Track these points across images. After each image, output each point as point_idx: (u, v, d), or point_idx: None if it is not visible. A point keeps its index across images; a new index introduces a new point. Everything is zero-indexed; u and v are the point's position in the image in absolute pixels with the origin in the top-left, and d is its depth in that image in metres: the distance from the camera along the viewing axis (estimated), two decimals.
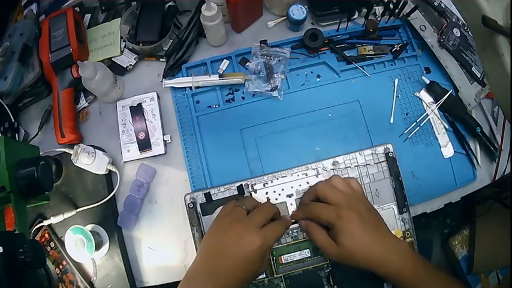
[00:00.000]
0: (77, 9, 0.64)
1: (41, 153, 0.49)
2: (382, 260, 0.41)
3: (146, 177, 0.54)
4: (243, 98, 0.58)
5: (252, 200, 0.47)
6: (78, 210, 0.53)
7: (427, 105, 0.57)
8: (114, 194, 0.54)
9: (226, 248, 0.40)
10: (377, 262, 0.41)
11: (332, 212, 0.42)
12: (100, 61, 0.60)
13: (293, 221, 0.49)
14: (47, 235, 0.53)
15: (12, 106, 0.58)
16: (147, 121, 0.56)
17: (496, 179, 0.56)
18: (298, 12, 0.58)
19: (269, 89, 0.56)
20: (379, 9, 0.61)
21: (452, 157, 0.56)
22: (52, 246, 0.53)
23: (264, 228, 0.42)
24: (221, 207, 0.48)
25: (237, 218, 0.42)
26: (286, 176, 0.51)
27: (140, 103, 0.57)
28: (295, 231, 0.49)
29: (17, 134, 0.58)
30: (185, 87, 0.58)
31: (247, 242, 0.39)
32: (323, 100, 0.57)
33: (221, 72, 0.58)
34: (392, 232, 0.49)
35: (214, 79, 0.56)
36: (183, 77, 0.58)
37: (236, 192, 0.50)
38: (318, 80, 0.59)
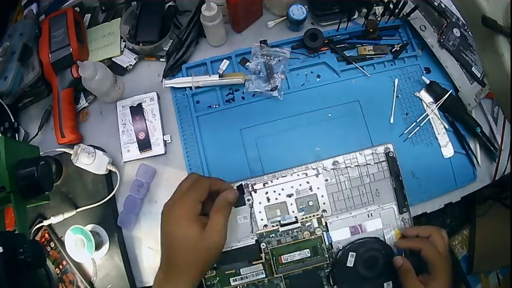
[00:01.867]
0: (77, 9, 0.64)
1: (41, 153, 0.49)
2: None
3: (146, 177, 0.54)
4: (243, 98, 0.58)
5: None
6: (78, 210, 0.53)
7: (427, 105, 0.57)
8: (114, 194, 0.54)
9: (168, 230, 0.40)
10: None
11: (438, 253, 0.44)
12: (100, 61, 0.60)
13: (291, 221, 0.49)
14: (47, 235, 0.53)
15: (12, 106, 0.58)
16: (147, 121, 0.56)
17: (496, 179, 0.56)
18: (298, 12, 0.58)
19: (269, 89, 0.56)
20: (379, 9, 0.61)
21: (452, 157, 0.56)
22: (52, 246, 0.53)
23: (188, 190, 0.41)
24: None
25: (167, 202, 0.42)
26: (286, 176, 0.51)
27: (140, 103, 0.57)
28: (295, 231, 0.49)
29: (17, 134, 0.58)
30: (185, 87, 0.58)
31: (176, 208, 0.40)
32: (323, 100, 0.57)
33: (221, 72, 0.58)
34: (392, 232, 0.50)
35: (214, 79, 0.56)
36: (183, 77, 0.58)
37: None
38: (318, 80, 0.59)
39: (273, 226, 0.49)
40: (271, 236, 0.49)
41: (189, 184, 0.42)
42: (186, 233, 0.38)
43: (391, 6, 0.57)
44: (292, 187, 0.50)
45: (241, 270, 0.49)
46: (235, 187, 0.50)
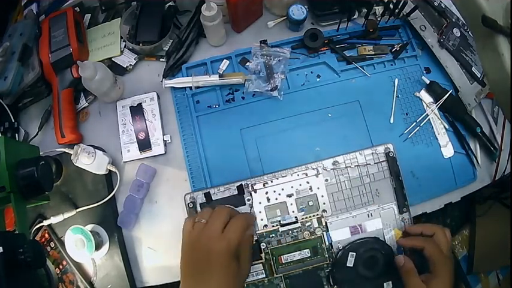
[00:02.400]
0: (77, 9, 0.64)
1: (41, 153, 0.49)
2: None
3: (146, 177, 0.54)
4: (243, 98, 0.58)
5: (206, 210, 0.46)
6: (78, 210, 0.53)
7: (427, 105, 0.57)
8: (114, 194, 0.54)
9: (200, 265, 0.41)
10: None
11: (440, 252, 0.44)
12: (100, 61, 0.60)
13: (291, 221, 0.49)
14: (47, 235, 0.53)
15: (12, 106, 0.58)
16: (147, 121, 0.56)
17: (496, 179, 0.56)
18: (298, 12, 0.58)
19: (269, 89, 0.56)
20: (379, 9, 0.61)
21: (452, 157, 0.56)
22: (52, 246, 0.53)
23: (225, 230, 0.42)
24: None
25: (198, 233, 0.43)
26: (286, 176, 0.51)
27: (140, 103, 0.57)
28: (295, 231, 0.49)
29: (17, 134, 0.58)
30: (185, 87, 0.58)
31: (214, 251, 0.41)
32: (323, 100, 0.57)
33: (221, 72, 0.58)
34: (393, 232, 0.50)
35: (214, 79, 0.56)
36: (183, 77, 0.58)
37: (236, 192, 0.50)
38: (318, 80, 0.59)
39: (273, 226, 0.49)
40: (271, 236, 0.49)
41: (226, 219, 0.43)
42: (229, 269, 0.41)
43: (391, 6, 0.57)
44: (292, 187, 0.50)
45: None
46: (235, 187, 0.50)
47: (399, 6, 0.57)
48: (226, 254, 0.41)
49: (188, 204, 0.50)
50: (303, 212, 0.50)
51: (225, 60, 0.59)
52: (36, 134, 0.58)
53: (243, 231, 0.44)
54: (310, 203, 0.50)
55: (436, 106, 0.56)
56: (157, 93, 0.58)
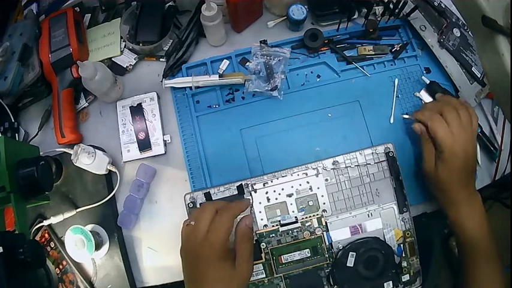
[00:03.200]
0: (77, 9, 0.64)
1: (41, 153, 0.49)
2: (454, 204, 0.45)
3: (146, 177, 0.54)
4: (243, 98, 0.58)
5: (196, 210, 0.44)
6: (78, 210, 0.53)
7: None
8: (114, 194, 0.54)
9: (194, 272, 0.39)
10: (449, 205, 0.46)
11: (446, 132, 0.43)
12: (100, 61, 0.60)
13: (291, 221, 0.49)
14: (47, 235, 0.53)
15: (12, 106, 0.58)
16: (147, 121, 0.56)
17: (496, 179, 0.56)
18: (298, 12, 0.58)
19: (269, 89, 0.56)
20: (379, 9, 0.61)
21: None
22: (52, 246, 0.53)
23: (208, 232, 0.39)
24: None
25: (187, 238, 0.41)
26: (286, 176, 0.51)
27: (140, 103, 0.57)
28: (295, 231, 0.49)
29: (17, 134, 0.58)
30: (185, 87, 0.58)
31: (202, 257, 0.38)
32: (323, 100, 0.57)
33: (221, 72, 0.58)
34: (393, 232, 0.50)
35: (214, 79, 0.56)
36: (183, 77, 0.58)
37: (236, 192, 0.50)
38: (318, 80, 0.59)
39: (273, 226, 0.49)
40: (271, 236, 0.49)
41: (210, 218, 0.40)
42: (219, 275, 0.38)
43: (391, 6, 0.57)
44: (292, 187, 0.50)
45: None
46: (235, 187, 0.50)
47: (399, 6, 0.57)
48: (212, 258, 0.38)
49: (188, 204, 0.50)
50: (303, 212, 0.50)
51: (225, 60, 0.59)
52: (36, 134, 0.58)
53: (227, 228, 0.39)
54: (310, 203, 0.50)
55: None
56: (157, 93, 0.58)
